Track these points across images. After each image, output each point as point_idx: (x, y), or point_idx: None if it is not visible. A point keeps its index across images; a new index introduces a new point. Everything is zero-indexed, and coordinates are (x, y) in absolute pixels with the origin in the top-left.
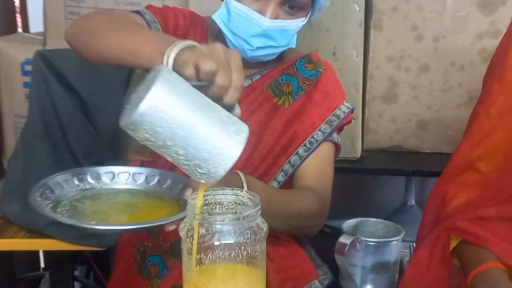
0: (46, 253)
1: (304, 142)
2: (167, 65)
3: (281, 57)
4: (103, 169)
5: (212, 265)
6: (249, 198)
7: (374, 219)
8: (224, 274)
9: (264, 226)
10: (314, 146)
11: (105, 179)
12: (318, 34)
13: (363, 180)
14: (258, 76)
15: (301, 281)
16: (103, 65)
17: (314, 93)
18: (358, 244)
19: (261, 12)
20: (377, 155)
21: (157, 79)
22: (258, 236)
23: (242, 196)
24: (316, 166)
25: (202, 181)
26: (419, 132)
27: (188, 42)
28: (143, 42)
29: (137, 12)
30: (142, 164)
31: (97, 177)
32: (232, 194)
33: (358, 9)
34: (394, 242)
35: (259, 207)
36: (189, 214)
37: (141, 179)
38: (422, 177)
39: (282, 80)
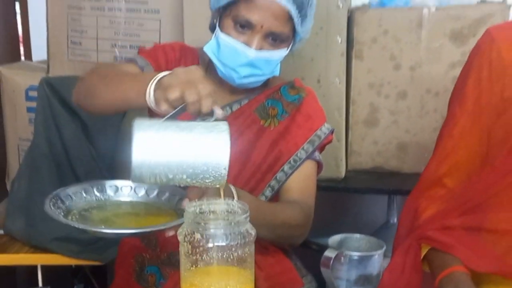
0: (44, 268)
1: (288, 160)
2: (151, 102)
3: (267, 83)
4: (107, 183)
5: (207, 265)
6: (239, 207)
7: (358, 235)
8: (218, 274)
9: (253, 231)
10: (298, 163)
11: (110, 191)
12: (303, 63)
13: (348, 199)
14: (246, 101)
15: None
16: (107, 115)
17: (297, 116)
18: (342, 258)
19: (247, 44)
20: (360, 175)
21: (133, 136)
22: (247, 240)
23: (233, 205)
24: (300, 182)
25: (217, 185)
26: (399, 154)
27: (159, 76)
28: (129, 88)
29: (131, 60)
30: None
31: (102, 190)
32: (224, 204)
33: (340, 40)
34: (376, 255)
35: (247, 214)
36: (187, 220)
37: (141, 192)
38: (403, 196)
39: (268, 104)
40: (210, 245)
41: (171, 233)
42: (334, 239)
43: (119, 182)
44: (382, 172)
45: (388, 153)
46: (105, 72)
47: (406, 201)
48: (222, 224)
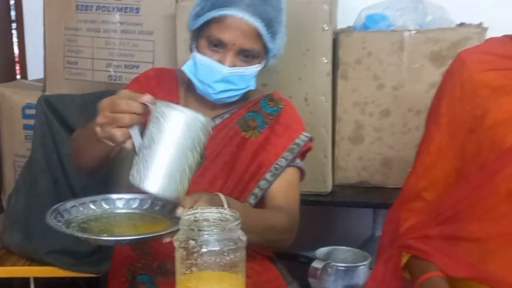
0: (39, 281)
1: (270, 169)
2: None
3: (247, 97)
4: (101, 197)
5: (201, 270)
6: (231, 215)
7: (344, 248)
8: (211, 278)
9: (243, 237)
10: (279, 171)
11: (105, 205)
12: (291, 82)
13: (335, 213)
14: (228, 115)
15: None
16: (101, 168)
17: (276, 126)
18: (329, 269)
19: (221, 61)
20: (346, 190)
21: (148, 191)
22: (239, 245)
23: (225, 213)
24: (283, 189)
25: (213, 126)
26: (383, 169)
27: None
28: (94, 136)
29: None
30: None
31: (98, 204)
32: (216, 212)
33: (326, 61)
34: (362, 267)
35: (238, 221)
36: (182, 228)
37: (136, 204)
38: (387, 209)
39: (248, 116)
40: (204, 250)
41: (168, 239)
42: (322, 251)
43: (113, 195)
44: (367, 187)
45: (373, 168)
46: (82, 131)
47: (388, 214)
48: (215, 231)
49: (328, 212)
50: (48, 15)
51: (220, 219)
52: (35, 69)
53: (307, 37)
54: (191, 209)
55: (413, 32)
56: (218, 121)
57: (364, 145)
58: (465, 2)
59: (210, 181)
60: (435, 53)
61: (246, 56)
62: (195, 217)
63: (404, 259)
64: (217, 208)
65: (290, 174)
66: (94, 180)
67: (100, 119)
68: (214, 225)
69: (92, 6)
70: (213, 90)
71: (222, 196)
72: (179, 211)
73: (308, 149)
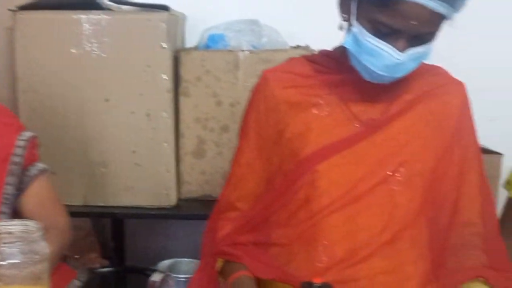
0: None
1: (2, 201)
2: None
3: None
4: None
5: (6, 284)
6: (34, 226)
7: (187, 259)
8: None
9: (46, 249)
10: (12, 198)
11: None
12: (134, 97)
13: (181, 226)
14: None
15: (62, 283)
16: None
17: None
18: (170, 281)
19: None
20: (191, 203)
21: None
22: (41, 257)
23: (29, 225)
24: (37, 211)
25: None
26: (224, 183)
27: None
28: None
29: None
30: None
31: None
32: (20, 224)
33: (166, 78)
34: None
35: (41, 232)
36: None
37: None
38: None
39: None
40: (6, 263)
41: None
42: (164, 263)
43: None
44: (211, 200)
45: (215, 182)
46: None
47: (207, 223)
48: (17, 243)
49: (174, 225)
50: None
51: (23, 231)
52: None
53: (146, 54)
54: None
55: (247, 52)
56: None
57: (206, 160)
58: (298, 27)
59: None
60: None
61: None
62: None
63: (220, 265)
64: (21, 221)
65: (36, 188)
66: None
67: None
68: (16, 237)
69: None
70: None
71: None
72: None
73: (35, 146)
